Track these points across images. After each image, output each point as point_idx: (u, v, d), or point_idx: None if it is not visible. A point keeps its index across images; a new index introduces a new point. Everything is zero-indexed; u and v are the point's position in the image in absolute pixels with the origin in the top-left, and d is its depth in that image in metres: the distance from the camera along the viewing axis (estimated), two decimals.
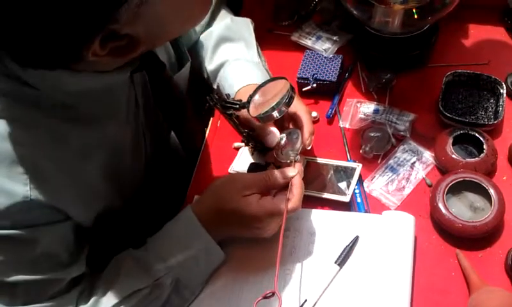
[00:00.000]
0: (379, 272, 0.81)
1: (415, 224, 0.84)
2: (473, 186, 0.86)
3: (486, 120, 0.97)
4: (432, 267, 0.83)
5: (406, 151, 0.96)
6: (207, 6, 0.73)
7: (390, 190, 0.92)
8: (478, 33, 1.12)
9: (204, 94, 0.84)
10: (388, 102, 1.03)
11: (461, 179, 0.86)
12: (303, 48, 1.13)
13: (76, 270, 0.77)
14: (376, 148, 0.95)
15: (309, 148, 0.89)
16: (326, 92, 1.06)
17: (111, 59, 0.65)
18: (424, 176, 0.93)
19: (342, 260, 0.83)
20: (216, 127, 1.07)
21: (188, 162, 1.04)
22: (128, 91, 0.84)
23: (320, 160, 0.96)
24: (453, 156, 0.90)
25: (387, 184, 0.92)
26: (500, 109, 0.95)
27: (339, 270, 0.82)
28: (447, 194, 0.85)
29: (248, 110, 0.84)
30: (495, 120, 0.95)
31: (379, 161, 0.96)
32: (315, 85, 1.05)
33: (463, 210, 0.86)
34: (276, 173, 0.80)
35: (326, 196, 0.90)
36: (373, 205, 0.90)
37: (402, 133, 0.97)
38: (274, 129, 0.87)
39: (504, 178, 0.91)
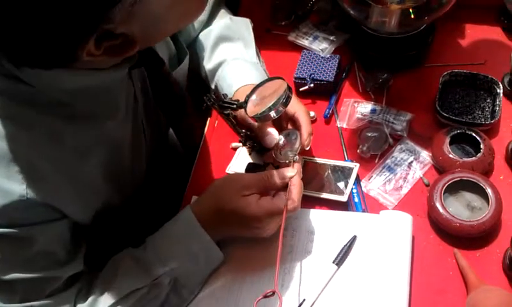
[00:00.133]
0: (377, 271, 0.81)
1: (413, 224, 0.84)
2: (471, 185, 0.86)
3: (482, 120, 0.97)
4: (430, 267, 0.83)
5: (403, 151, 0.96)
6: (203, 3, 0.73)
7: (388, 189, 0.92)
8: (474, 33, 1.12)
9: (202, 92, 0.84)
10: (385, 101, 1.03)
11: (459, 178, 0.87)
12: (300, 48, 1.13)
13: (73, 269, 0.78)
14: (373, 147, 0.96)
15: (308, 148, 0.89)
16: (323, 92, 1.06)
17: (107, 58, 0.65)
18: (421, 175, 0.93)
19: (340, 260, 0.83)
20: (213, 127, 1.07)
21: (186, 159, 1.04)
22: (127, 88, 0.84)
23: (317, 160, 0.96)
24: (450, 155, 0.90)
25: (384, 184, 0.92)
26: (497, 108, 0.96)
27: (337, 269, 0.82)
28: (444, 194, 0.86)
29: (245, 110, 0.84)
30: (491, 120, 0.95)
31: (376, 161, 0.96)
32: (312, 85, 1.05)
33: (461, 210, 0.86)
34: (275, 173, 0.80)
35: (324, 195, 0.90)
36: (371, 205, 0.90)
37: (399, 133, 0.97)
38: (272, 130, 0.87)
39: (501, 177, 0.91)
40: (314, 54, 1.10)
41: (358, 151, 0.96)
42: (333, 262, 0.82)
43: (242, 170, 0.95)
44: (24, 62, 0.63)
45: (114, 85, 0.79)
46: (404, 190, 0.91)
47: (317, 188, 0.91)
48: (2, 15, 0.55)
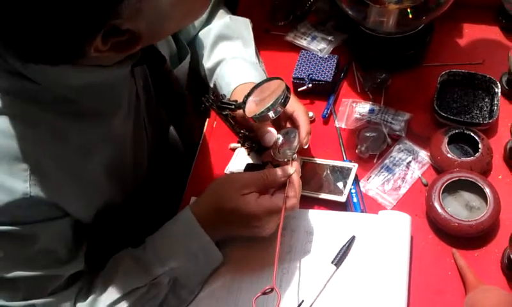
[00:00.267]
0: (375, 271, 0.81)
1: (411, 224, 0.84)
2: (469, 185, 0.87)
3: (481, 119, 0.97)
4: (429, 266, 0.83)
5: (402, 151, 0.96)
6: (207, 1, 0.74)
7: (386, 189, 0.92)
8: (472, 33, 1.12)
9: (201, 92, 0.84)
10: (383, 101, 1.03)
11: (457, 178, 0.87)
12: (298, 49, 1.13)
13: (75, 267, 0.78)
14: (371, 147, 0.96)
15: (306, 146, 0.89)
16: (321, 92, 1.06)
17: (113, 55, 0.66)
18: (420, 175, 0.93)
19: (338, 260, 0.83)
20: (212, 128, 1.07)
21: (186, 158, 1.04)
22: (130, 85, 0.84)
23: (316, 160, 0.96)
24: (448, 155, 0.90)
25: (383, 184, 0.93)
26: (495, 108, 0.96)
27: (336, 270, 0.82)
28: (442, 193, 0.86)
29: (244, 111, 0.84)
30: (490, 119, 0.95)
31: (375, 161, 0.96)
32: (310, 85, 1.05)
33: (459, 209, 0.86)
34: (274, 171, 0.81)
35: (323, 196, 0.90)
36: (369, 205, 0.90)
37: (397, 132, 0.97)
38: (271, 129, 0.87)
39: (500, 177, 0.91)
40: (312, 54, 1.10)
41: (357, 151, 0.96)
42: (332, 262, 0.83)
43: (240, 170, 0.95)
44: (31, 58, 0.63)
45: (118, 82, 0.79)
46: (403, 190, 0.91)
47: (315, 189, 0.91)
48: (12, 10, 0.55)
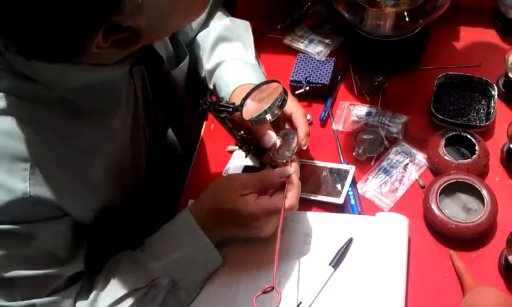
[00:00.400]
0: (373, 273, 0.81)
1: (409, 226, 0.85)
2: (466, 187, 0.87)
3: (477, 122, 0.97)
4: (426, 268, 0.83)
5: (399, 153, 0.96)
6: (206, 2, 0.75)
7: (384, 191, 0.92)
8: (469, 36, 1.12)
9: (199, 94, 0.85)
10: (380, 104, 1.03)
11: (454, 180, 0.87)
12: (295, 52, 1.14)
13: (74, 268, 0.78)
14: (369, 150, 0.96)
15: (305, 148, 0.89)
16: (318, 95, 1.07)
17: (113, 52, 0.66)
18: (417, 177, 0.93)
19: (336, 262, 0.83)
20: (209, 130, 1.07)
21: (185, 160, 1.04)
22: (128, 85, 0.84)
23: (313, 162, 0.96)
24: (445, 157, 0.91)
25: (380, 186, 0.93)
26: (492, 110, 0.96)
27: (334, 271, 0.82)
28: (440, 195, 0.86)
29: (241, 114, 0.84)
30: (486, 122, 0.95)
31: (372, 163, 0.96)
32: (307, 88, 1.06)
33: (456, 211, 0.86)
34: (273, 172, 0.81)
35: (320, 198, 0.91)
36: (367, 207, 0.90)
37: (394, 135, 0.98)
38: (270, 130, 0.88)
39: (497, 179, 0.91)
40: (310, 57, 1.11)
41: (354, 153, 0.96)
42: (330, 264, 0.83)
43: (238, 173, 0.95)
44: (34, 54, 0.63)
45: (117, 82, 0.79)
46: (400, 192, 0.92)
47: (313, 191, 0.91)
48: (16, 4, 0.55)
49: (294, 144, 0.86)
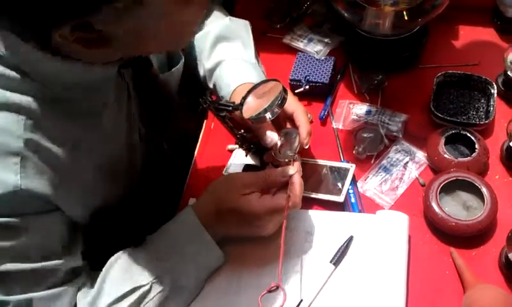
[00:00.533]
0: (374, 271, 0.81)
1: (409, 224, 0.85)
2: (466, 185, 0.87)
3: (477, 120, 0.97)
4: (427, 266, 0.83)
5: (399, 152, 0.96)
6: (193, 33, 0.77)
7: (384, 190, 0.92)
8: (468, 34, 1.13)
9: (198, 95, 0.84)
10: (380, 102, 1.03)
11: (454, 178, 0.87)
12: (295, 51, 1.14)
13: (70, 262, 0.77)
14: (369, 148, 0.96)
15: (307, 147, 0.89)
16: (318, 94, 1.07)
17: (80, 48, 0.65)
18: (417, 175, 0.93)
19: (337, 260, 0.83)
20: (209, 130, 1.07)
21: (182, 162, 1.04)
22: (118, 85, 0.84)
23: (314, 161, 0.96)
24: (445, 156, 0.91)
25: (380, 184, 0.93)
26: (491, 108, 0.96)
27: (334, 269, 0.82)
28: (440, 193, 0.86)
29: (241, 112, 0.84)
30: (486, 120, 0.96)
31: (372, 161, 0.96)
32: (307, 87, 1.06)
33: (456, 209, 0.86)
34: (276, 171, 0.81)
35: (320, 196, 0.91)
36: (367, 205, 0.91)
37: (394, 133, 0.98)
38: (271, 130, 0.88)
39: (496, 176, 0.91)
40: (309, 56, 1.11)
41: (354, 152, 0.96)
42: (331, 262, 0.83)
43: (238, 172, 0.95)
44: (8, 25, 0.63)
45: (109, 81, 0.79)
46: (400, 191, 0.92)
47: (313, 189, 0.92)
48: None
49: (296, 143, 0.86)
